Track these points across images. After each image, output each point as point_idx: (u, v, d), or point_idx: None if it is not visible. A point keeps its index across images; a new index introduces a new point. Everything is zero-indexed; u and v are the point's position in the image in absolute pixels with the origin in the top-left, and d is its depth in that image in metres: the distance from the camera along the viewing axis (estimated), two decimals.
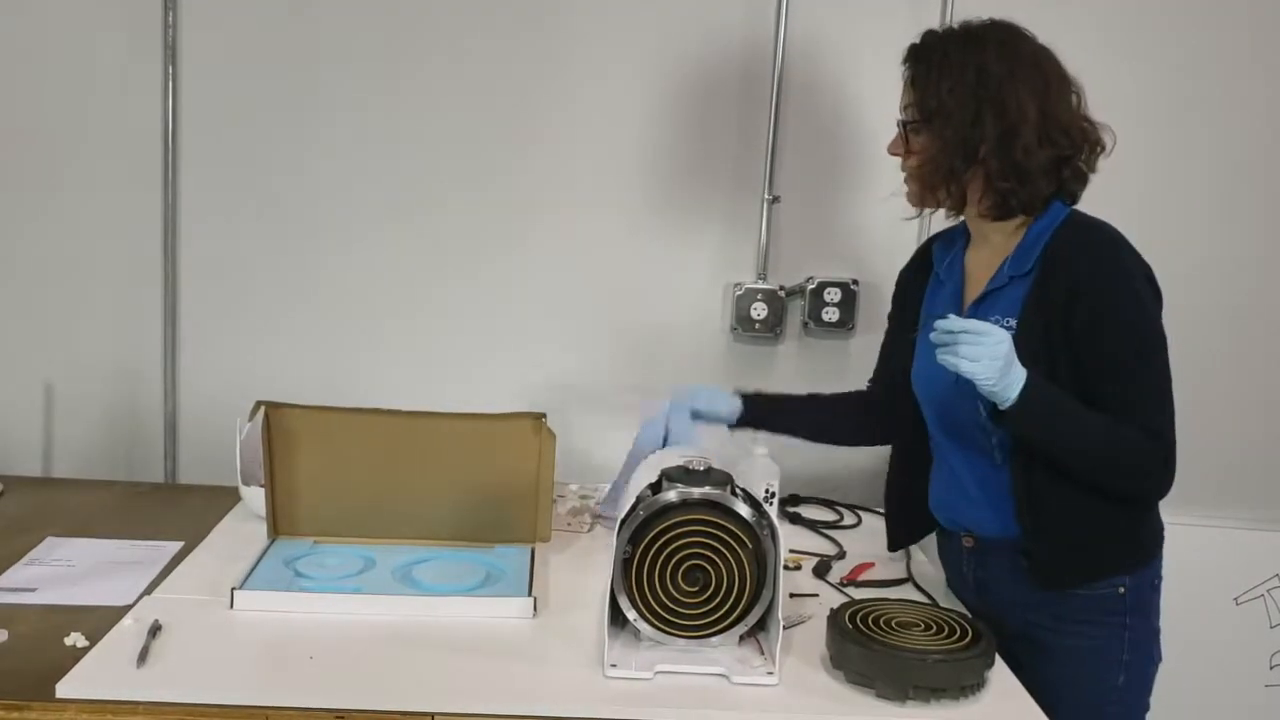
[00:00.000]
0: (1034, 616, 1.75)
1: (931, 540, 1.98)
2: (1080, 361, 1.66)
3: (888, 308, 2.07)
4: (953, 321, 1.59)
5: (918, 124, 1.74)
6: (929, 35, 1.78)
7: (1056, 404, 1.63)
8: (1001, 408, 1.60)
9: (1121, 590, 1.72)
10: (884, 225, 2.42)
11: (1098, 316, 1.65)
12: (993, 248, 1.79)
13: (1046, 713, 1.52)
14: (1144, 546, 1.77)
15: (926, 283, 1.92)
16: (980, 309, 1.75)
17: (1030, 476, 1.71)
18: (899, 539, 2.00)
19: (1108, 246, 1.69)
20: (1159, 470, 1.67)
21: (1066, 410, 1.63)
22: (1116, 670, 1.73)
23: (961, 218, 1.85)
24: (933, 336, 1.61)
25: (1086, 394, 1.65)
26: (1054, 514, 1.71)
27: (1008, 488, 1.74)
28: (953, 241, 1.89)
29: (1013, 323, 1.69)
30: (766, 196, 2.42)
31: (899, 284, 2.03)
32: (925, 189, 1.77)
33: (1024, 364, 1.61)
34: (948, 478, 1.85)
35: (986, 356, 1.55)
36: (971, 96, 1.68)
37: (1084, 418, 1.64)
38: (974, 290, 1.80)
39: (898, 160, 1.82)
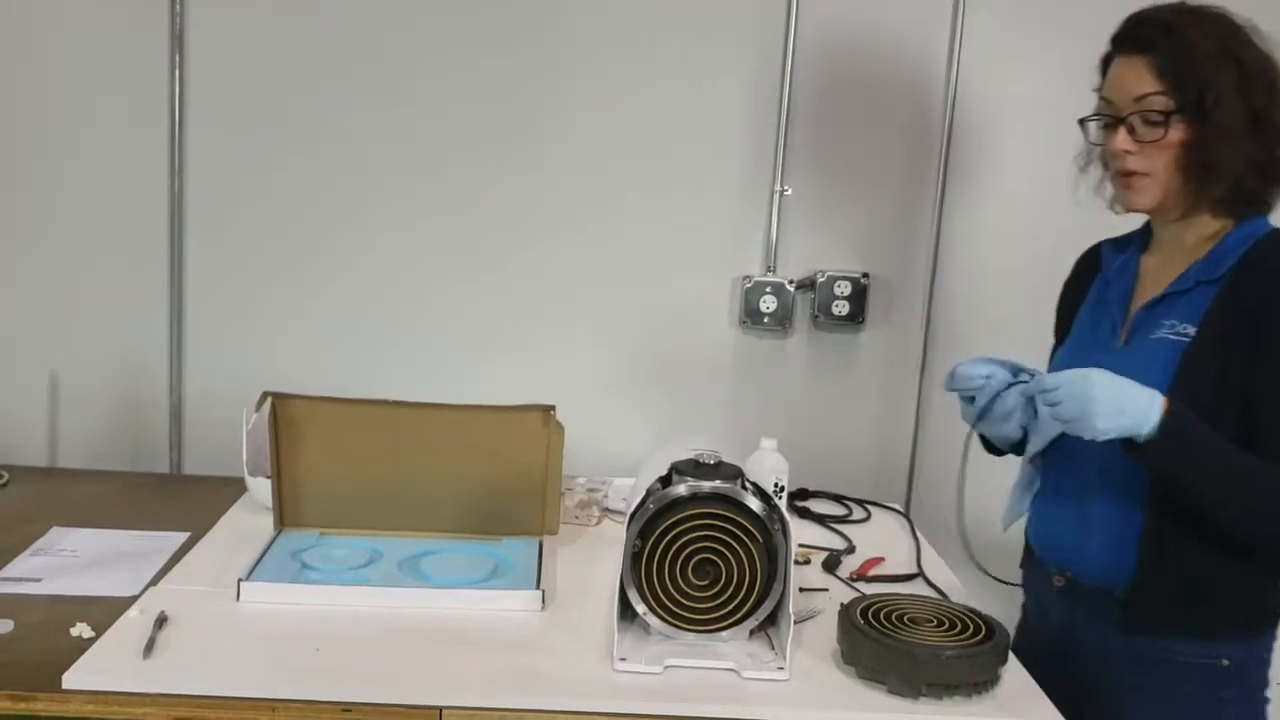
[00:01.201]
0: (1120, 674, 1.61)
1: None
2: (1254, 383, 1.51)
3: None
4: (1034, 384, 1.55)
5: (1177, 114, 1.53)
6: (1154, 16, 1.57)
7: (1199, 436, 1.47)
8: (1139, 440, 1.46)
9: (1226, 663, 1.57)
10: (894, 219, 2.41)
11: None
12: (1181, 251, 1.63)
13: None
14: (1259, 617, 1.62)
15: (1088, 288, 1.77)
16: (1155, 313, 1.61)
17: (1163, 521, 1.56)
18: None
19: None
20: None
21: (1212, 445, 1.48)
22: None
23: (1138, 215, 1.68)
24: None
25: (1252, 422, 1.50)
26: (1174, 560, 1.56)
27: (1136, 530, 1.58)
28: (1127, 243, 1.74)
29: (1190, 330, 1.54)
30: (776, 189, 2.40)
31: (1063, 291, 1.85)
32: (1188, 182, 1.57)
33: (1191, 376, 1.51)
34: (1058, 508, 1.70)
35: (1077, 412, 1.45)
36: (1248, 88, 1.52)
37: (1231, 454, 1.48)
38: (1148, 293, 1.64)
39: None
